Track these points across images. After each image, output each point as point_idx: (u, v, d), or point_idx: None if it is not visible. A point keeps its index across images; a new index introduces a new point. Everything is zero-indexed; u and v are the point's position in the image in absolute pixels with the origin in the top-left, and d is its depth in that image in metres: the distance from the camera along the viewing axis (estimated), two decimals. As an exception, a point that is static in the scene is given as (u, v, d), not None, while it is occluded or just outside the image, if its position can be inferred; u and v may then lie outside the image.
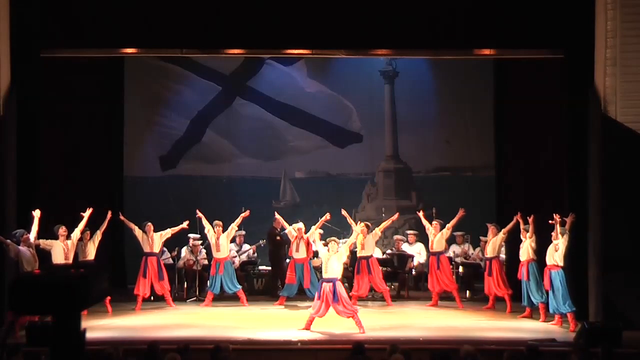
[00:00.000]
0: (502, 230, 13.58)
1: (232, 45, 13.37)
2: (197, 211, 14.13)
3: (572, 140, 12.64)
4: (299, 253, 13.99)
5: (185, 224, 13.97)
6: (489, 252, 13.68)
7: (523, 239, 12.84)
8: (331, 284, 11.55)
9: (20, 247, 11.91)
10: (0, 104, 12.22)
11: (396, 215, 14.52)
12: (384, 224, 14.38)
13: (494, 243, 13.63)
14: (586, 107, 12.35)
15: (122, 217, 13.92)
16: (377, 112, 17.57)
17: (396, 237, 15.64)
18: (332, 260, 11.63)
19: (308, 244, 13.96)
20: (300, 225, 14.08)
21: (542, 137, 14.52)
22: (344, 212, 14.10)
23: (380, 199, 17.58)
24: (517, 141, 15.40)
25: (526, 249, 12.77)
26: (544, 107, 14.19)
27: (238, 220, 14.06)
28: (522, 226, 12.91)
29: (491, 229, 13.77)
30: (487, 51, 13.50)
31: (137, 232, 13.74)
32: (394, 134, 17.58)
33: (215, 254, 14.01)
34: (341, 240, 13.59)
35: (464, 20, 12.64)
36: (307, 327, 11.65)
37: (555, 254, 12.02)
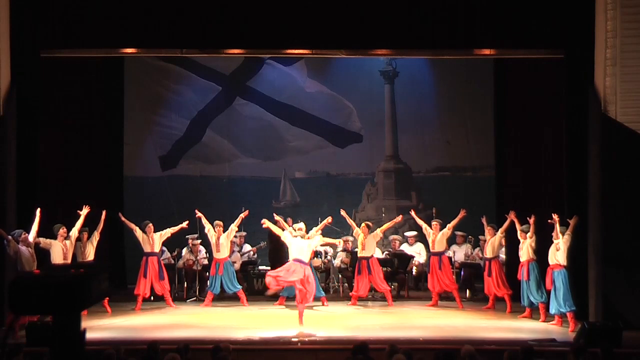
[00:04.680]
0: (500, 230, 13.58)
1: (232, 45, 13.37)
2: (197, 211, 14.13)
3: (572, 140, 12.65)
4: None
5: (184, 224, 13.97)
6: (488, 252, 13.67)
7: (521, 239, 12.83)
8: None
9: (20, 247, 11.91)
10: (0, 104, 12.23)
11: (399, 218, 14.52)
12: (386, 225, 14.39)
13: (492, 243, 13.63)
14: (586, 107, 12.36)
15: (122, 218, 13.91)
16: (377, 112, 17.57)
17: (392, 237, 15.62)
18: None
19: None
20: (301, 225, 14.07)
21: (542, 137, 14.52)
22: (343, 213, 14.14)
23: (380, 199, 17.59)
24: (517, 141, 15.40)
25: (526, 249, 12.76)
26: (544, 107, 14.20)
27: (237, 221, 14.06)
28: (518, 227, 12.90)
29: (488, 229, 13.75)
30: (487, 51, 13.51)
31: (138, 232, 13.73)
32: (394, 134, 17.59)
33: (215, 255, 14.01)
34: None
35: (464, 20, 12.65)
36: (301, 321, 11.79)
37: (557, 254, 12.03)
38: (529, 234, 12.66)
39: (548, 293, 12.30)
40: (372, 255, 14.05)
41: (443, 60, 16.27)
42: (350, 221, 14.24)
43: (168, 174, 17.41)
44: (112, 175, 16.16)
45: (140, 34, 12.77)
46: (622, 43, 12.04)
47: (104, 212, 13.35)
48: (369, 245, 14.01)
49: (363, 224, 14.12)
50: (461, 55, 14.47)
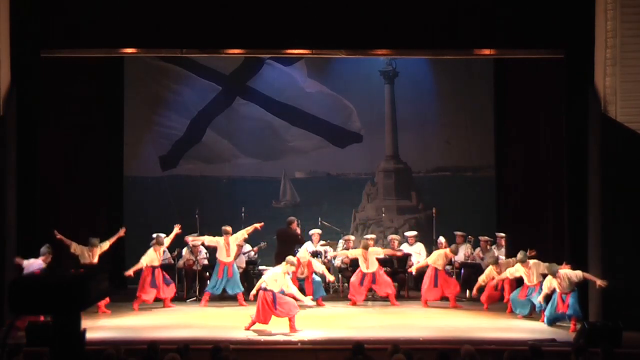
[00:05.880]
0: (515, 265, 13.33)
1: (232, 45, 13.37)
2: (187, 240, 14.28)
3: (572, 140, 12.65)
4: (303, 275, 14.02)
5: (177, 229, 13.95)
6: (504, 273, 13.49)
7: (523, 268, 12.74)
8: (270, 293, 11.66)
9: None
10: (0, 104, 12.23)
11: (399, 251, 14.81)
12: (384, 251, 14.55)
13: (508, 265, 13.38)
14: (586, 107, 12.36)
15: (129, 273, 13.77)
16: (377, 112, 17.55)
17: (391, 237, 15.58)
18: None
19: (309, 266, 13.99)
20: (302, 255, 14.01)
21: (542, 137, 14.52)
22: (325, 223, 14.30)
23: (380, 199, 17.57)
24: (517, 141, 15.40)
25: (536, 274, 12.60)
26: (544, 107, 14.20)
27: (250, 229, 14.14)
28: (509, 271, 12.92)
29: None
30: (487, 51, 13.51)
31: (147, 258, 13.61)
32: (394, 134, 17.57)
33: (225, 259, 13.98)
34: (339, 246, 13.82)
35: (464, 20, 12.65)
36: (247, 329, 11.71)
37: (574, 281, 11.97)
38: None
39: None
40: (376, 270, 14.10)
41: (443, 60, 16.27)
42: (335, 227, 14.37)
43: (168, 174, 17.39)
44: (112, 175, 16.17)
45: (140, 34, 12.77)
46: (622, 43, 12.03)
47: (122, 230, 13.72)
48: (371, 262, 14.10)
49: (361, 245, 14.18)
50: (461, 55, 14.47)
